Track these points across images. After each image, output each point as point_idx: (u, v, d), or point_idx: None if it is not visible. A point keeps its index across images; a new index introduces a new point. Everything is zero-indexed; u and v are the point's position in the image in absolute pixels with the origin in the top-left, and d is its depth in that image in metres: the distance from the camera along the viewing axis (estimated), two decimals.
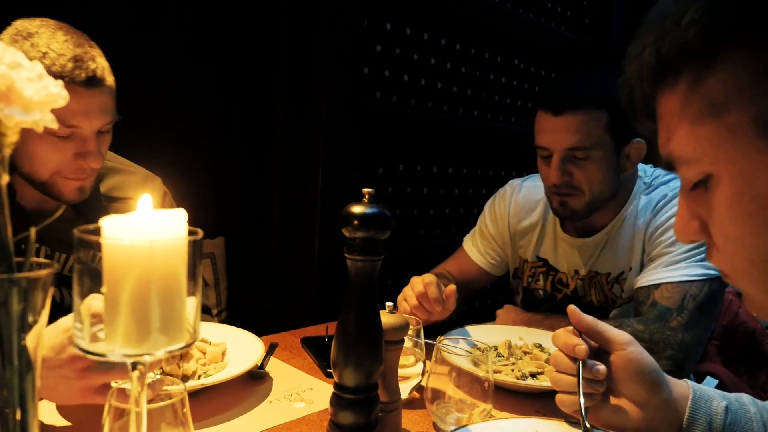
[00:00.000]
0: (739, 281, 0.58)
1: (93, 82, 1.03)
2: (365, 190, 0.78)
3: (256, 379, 1.08)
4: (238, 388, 1.03)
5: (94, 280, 0.50)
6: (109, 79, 1.08)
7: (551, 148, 1.34)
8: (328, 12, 1.91)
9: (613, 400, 0.84)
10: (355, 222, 0.75)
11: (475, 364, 0.89)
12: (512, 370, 1.15)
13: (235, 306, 2.20)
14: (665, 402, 0.82)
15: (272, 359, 1.18)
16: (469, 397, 0.89)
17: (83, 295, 0.50)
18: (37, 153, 1.03)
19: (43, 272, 0.48)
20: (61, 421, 0.88)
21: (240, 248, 2.30)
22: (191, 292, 0.52)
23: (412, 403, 1.02)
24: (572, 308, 0.87)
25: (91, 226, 0.50)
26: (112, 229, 0.48)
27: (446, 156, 2.49)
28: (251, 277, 2.31)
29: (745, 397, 0.87)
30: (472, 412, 0.88)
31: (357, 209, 0.76)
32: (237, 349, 1.12)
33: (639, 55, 0.59)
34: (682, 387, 0.85)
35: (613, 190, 1.37)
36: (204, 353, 1.07)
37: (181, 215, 0.51)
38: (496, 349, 1.23)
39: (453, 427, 0.84)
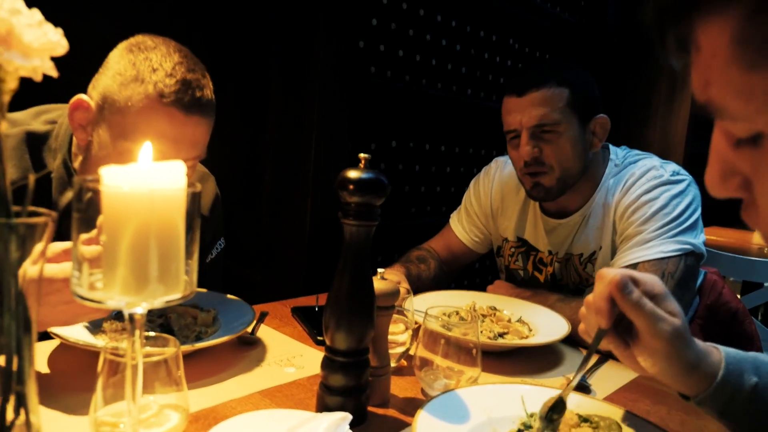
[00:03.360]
0: None
1: (192, 108, 0.99)
2: (362, 155, 0.78)
3: (247, 345, 1.09)
4: (229, 353, 1.04)
5: (91, 229, 0.50)
6: (210, 112, 1.04)
7: (519, 128, 1.38)
8: None
9: (633, 358, 0.79)
10: (351, 186, 0.76)
11: (464, 333, 0.90)
12: (481, 331, 1.17)
13: (225, 279, 2.21)
14: (690, 380, 0.78)
15: (263, 327, 1.19)
16: (457, 365, 0.90)
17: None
18: (106, 164, 1.00)
19: (41, 219, 0.48)
20: (55, 373, 0.89)
21: (231, 221, 2.30)
22: (189, 245, 0.52)
23: (401, 371, 1.03)
24: (615, 282, 0.74)
25: (89, 176, 0.50)
26: (112, 177, 0.48)
27: (439, 134, 2.49)
28: (242, 250, 2.31)
29: None
30: (459, 378, 0.90)
31: (353, 174, 0.76)
32: (228, 315, 1.12)
33: None
34: (713, 364, 0.78)
35: (583, 167, 1.40)
36: (195, 318, 1.08)
37: (179, 167, 0.51)
38: (458, 314, 1.24)
39: (440, 393, 0.85)
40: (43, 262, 0.51)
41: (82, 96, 1.02)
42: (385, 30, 2.16)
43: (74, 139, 1.09)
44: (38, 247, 0.49)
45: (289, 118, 2.04)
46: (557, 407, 0.77)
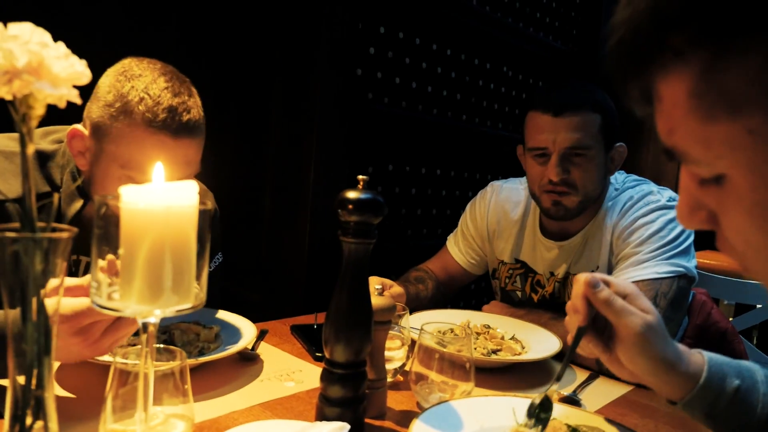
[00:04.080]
0: (759, 279, 0.51)
1: (181, 132, 1.03)
2: (360, 177, 0.83)
3: (247, 361, 1.12)
4: (230, 368, 1.07)
5: (111, 243, 0.54)
6: (199, 131, 1.08)
7: (551, 147, 1.39)
8: (324, 13, 1.97)
9: (617, 361, 0.83)
10: (350, 206, 0.80)
11: (458, 349, 0.94)
12: (475, 348, 1.21)
13: (224, 299, 2.23)
14: (672, 379, 0.81)
15: (263, 344, 1.22)
16: (451, 379, 0.94)
17: (101, 257, 0.54)
18: (110, 190, 1.02)
19: (63, 234, 0.53)
20: (63, 390, 0.92)
21: (231, 241, 2.34)
22: (200, 258, 0.56)
23: (397, 386, 1.07)
24: (586, 282, 0.82)
25: (110, 195, 0.54)
26: (130, 196, 0.52)
27: (434, 158, 2.54)
28: (242, 270, 2.34)
29: (759, 373, 0.84)
30: (453, 391, 0.93)
31: (352, 194, 0.81)
32: (230, 332, 1.16)
33: (629, 19, 0.46)
34: (695, 366, 0.81)
35: (600, 192, 1.45)
36: (198, 334, 1.11)
37: (192, 186, 0.55)
38: (452, 331, 1.28)
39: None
40: (60, 296, 0.55)
41: (77, 126, 1.07)
42: (382, 58, 2.23)
43: None
44: (53, 282, 0.53)
45: (289, 142, 2.10)
46: (544, 405, 0.81)
